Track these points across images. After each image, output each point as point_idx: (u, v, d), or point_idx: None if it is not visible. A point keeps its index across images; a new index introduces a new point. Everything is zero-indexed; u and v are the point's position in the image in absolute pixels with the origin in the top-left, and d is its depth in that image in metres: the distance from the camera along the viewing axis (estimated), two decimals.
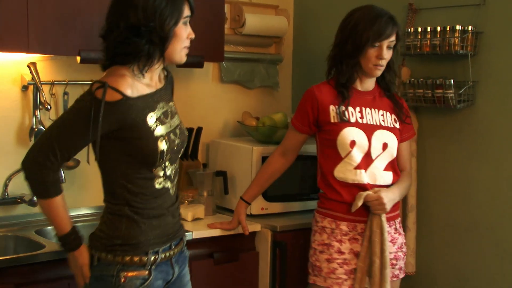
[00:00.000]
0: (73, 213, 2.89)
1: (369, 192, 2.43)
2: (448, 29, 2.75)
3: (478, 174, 2.84)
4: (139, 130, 1.88)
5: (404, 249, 2.61)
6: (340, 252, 2.48)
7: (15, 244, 2.62)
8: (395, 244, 2.54)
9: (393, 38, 2.47)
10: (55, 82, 2.83)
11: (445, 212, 2.97)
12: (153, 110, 1.92)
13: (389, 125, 2.53)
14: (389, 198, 2.44)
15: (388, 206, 2.43)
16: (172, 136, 1.97)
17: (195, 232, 2.74)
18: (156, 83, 2.00)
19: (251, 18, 3.36)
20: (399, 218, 2.61)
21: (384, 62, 2.47)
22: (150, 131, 1.90)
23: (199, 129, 3.20)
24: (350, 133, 2.46)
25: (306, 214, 2.97)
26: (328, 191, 2.52)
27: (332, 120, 2.49)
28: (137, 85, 1.90)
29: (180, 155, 2.07)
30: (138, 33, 1.87)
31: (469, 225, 2.88)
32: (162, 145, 1.91)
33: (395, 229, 2.55)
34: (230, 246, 2.85)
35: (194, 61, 2.94)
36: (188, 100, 3.29)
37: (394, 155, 2.52)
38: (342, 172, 2.47)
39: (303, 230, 2.82)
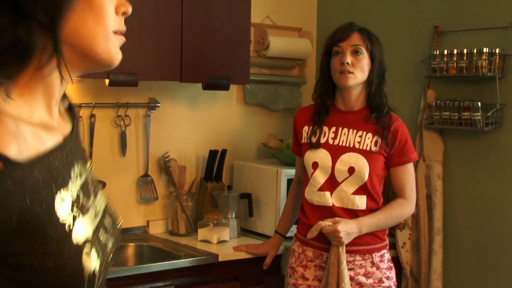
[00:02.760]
0: None
1: (327, 223, 2.33)
2: (475, 51, 2.75)
3: (506, 197, 2.81)
4: (42, 233, 0.85)
5: (387, 283, 2.39)
6: (304, 278, 2.44)
7: None
8: (370, 278, 2.38)
9: (355, 41, 2.37)
10: (82, 105, 2.85)
11: (473, 236, 2.94)
12: (64, 184, 0.91)
13: (364, 148, 2.39)
14: (347, 231, 2.30)
15: (345, 239, 2.31)
16: (102, 236, 0.97)
17: (221, 255, 2.73)
18: (58, 122, 0.97)
19: (275, 40, 3.38)
20: (383, 251, 2.42)
21: (350, 68, 2.35)
22: (64, 232, 0.87)
23: (224, 151, 3.21)
24: (313, 155, 2.43)
25: None
26: (300, 212, 2.51)
27: (302, 141, 2.50)
28: (24, 131, 0.87)
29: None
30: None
31: (497, 249, 2.85)
32: (91, 262, 0.90)
33: (372, 262, 2.39)
34: (255, 269, 2.84)
35: (221, 83, 2.95)
36: (212, 122, 3.30)
37: (365, 179, 2.36)
38: (309, 193, 2.45)
39: None
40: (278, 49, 3.39)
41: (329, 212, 2.39)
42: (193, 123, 3.23)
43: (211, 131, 3.28)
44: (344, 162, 2.39)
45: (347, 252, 2.34)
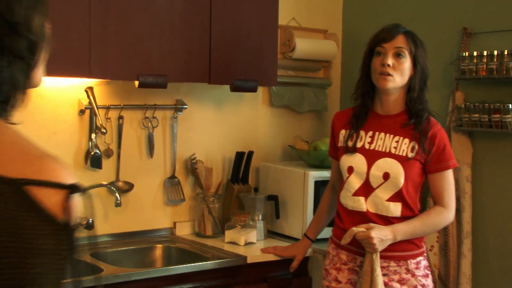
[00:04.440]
0: (124, 237, 2.93)
1: (361, 229, 2.29)
2: (506, 53, 2.72)
3: None
4: None
5: None
6: (337, 281, 2.42)
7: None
8: (404, 285, 2.34)
9: (399, 44, 2.33)
10: (111, 106, 2.86)
11: (503, 239, 2.91)
12: None
13: (401, 154, 2.34)
14: (381, 237, 2.26)
15: (379, 246, 2.26)
16: None
17: (249, 257, 2.73)
18: None
19: (301, 42, 3.37)
20: (419, 258, 2.37)
21: (390, 70, 2.31)
22: None
23: (250, 153, 3.21)
24: (348, 159, 2.40)
25: None
26: (336, 215, 2.49)
27: (339, 145, 2.47)
28: None
29: None
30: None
31: None
32: None
33: (407, 269, 2.35)
34: (283, 271, 2.83)
35: (248, 85, 2.95)
36: (238, 124, 3.30)
37: (400, 185, 2.32)
38: (343, 197, 2.42)
39: None
40: (304, 51, 3.38)
41: (363, 217, 2.36)
42: (219, 125, 3.24)
43: (237, 133, 3.29)
44: (380, 167, 2.35)
45: (381, 257, 2.30)
